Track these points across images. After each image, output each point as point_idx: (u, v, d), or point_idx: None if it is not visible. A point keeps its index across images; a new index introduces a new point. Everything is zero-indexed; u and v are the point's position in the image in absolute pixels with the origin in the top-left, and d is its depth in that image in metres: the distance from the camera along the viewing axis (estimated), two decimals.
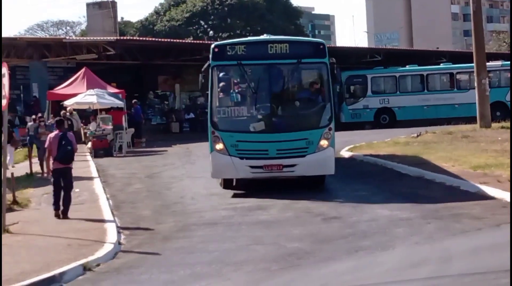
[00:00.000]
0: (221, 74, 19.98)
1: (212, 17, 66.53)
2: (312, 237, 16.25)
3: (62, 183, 19.55)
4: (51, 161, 20.14)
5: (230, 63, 19.92)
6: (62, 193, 19.42)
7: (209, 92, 19.57)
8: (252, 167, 19.03)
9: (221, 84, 20.20)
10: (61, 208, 19.20)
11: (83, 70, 41.33)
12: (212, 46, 20.00)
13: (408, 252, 14.48)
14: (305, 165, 18.90)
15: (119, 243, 16.64)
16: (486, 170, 23.42)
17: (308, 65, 20.22)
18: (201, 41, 55.80)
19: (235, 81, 20.93)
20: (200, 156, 32.17)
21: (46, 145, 21.22)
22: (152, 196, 24.41)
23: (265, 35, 23.14)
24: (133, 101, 43.16)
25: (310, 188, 20.45)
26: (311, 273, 12.85)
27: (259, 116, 19.67)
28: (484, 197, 20.13)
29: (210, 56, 19.69)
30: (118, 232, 17.61)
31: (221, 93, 20.24)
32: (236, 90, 20.80)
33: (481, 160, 25.26)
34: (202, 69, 20.54)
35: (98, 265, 14.27)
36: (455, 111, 45.95)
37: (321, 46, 20.03)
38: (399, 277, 11.74)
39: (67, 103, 38.42)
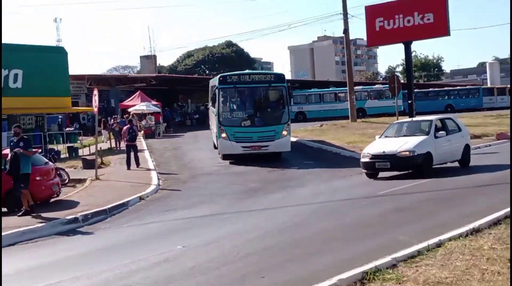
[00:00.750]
0: (223, 93, 25.59)
1: (207, 63, 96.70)
2: (262, 181, 21.84)
3: (132, 153, 26.81)
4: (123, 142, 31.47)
5: (229, 86, 25.58)
6: (132, 158, 26.64)
7: (216, 103, 25.26)
8: (243, 147, 24.71)
9: (224, 99, 25.71)
10: (131, 165, 26.50)
11: (138, 92, 57.12)
12: (219, 76, 26.57)
13: (313, 188, 19.57)
14: (274, 145, 24.99)
15: (159, 185, 21.92)
16: (354, 144, 31.22)
17: (275, 87, 25.90)
18: (201, 77, 79.00)
19: (232, 96, 26.33)
20: (202, 138, 40.59)
21: (122, 132, 31.92)
22: (176, 159, 31.79)
23: (247, 70, 33.75)
24: (165, 108, 59.70)
25: (273, 159, 26.44)
26: (262, 200, 17.90)
27: (246, 117, 25.34)
28: (353, 158, 25.79)
29: (217, 82, 25.91)
30: (158, 179, 23.18)
31: (224, 104, 25.60)
32: (233, 102, 26.36)
33: (351, 139, 33.73)
34: (213, 90, 26.48)
35: (147, 196, 19.53)
36: (337, 113, 58.77)
37: (282, 76, 27.40)
38: (308, 201, 17.05)
39: (130, 110, 52.49)
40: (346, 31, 43.63)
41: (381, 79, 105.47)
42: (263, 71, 31.17)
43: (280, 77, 26.45)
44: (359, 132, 36.43)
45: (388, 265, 8.39)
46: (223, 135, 24.80)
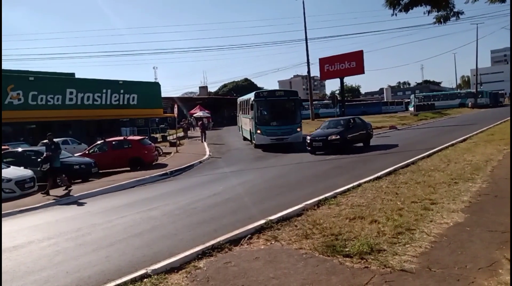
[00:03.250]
0: (258, 103, 21.67)
1: (233, 90, 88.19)
2: (265, 153, 20.95)
3: (203, 134, 28.02)
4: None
5: (261, 99, 21.77)
6: (204, 138, 27.35)
7: (253, 111, 21.54)
8: (271, 139, 21.21)
9: (258, 107, 21.72)
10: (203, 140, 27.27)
11: (198, 105, 53.73)
12: (255, 92, 23.03)
13: (290, 157, 18.68)
14: (291, 138, 21.38)
15: (210, 154, 21.33)
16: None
17: (292, 100, 22.14)
18: (231, 97, 69.81)
19: (263, 106, 22.08)
20: (233, 130, 36.60)
21: (199, 125, 31.77)
22: (219, 141, 30.06)
23: (276, 88, 27.84)
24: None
25: (289, 147, 21.57)
26: (263, 163, 17.19)
27: (274, 119, 21.60)
28: None
29: (253, 96, 22.06)
30: (209, 151, 22.63)
31: (258, 111, 21.69)
32: (264, 109, 22.12)
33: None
34: (250, 102, 22.38)
35: (203, 161, 18.97)
36: (303, 116, 50.03)
37: (296, 92, 23.54)
38: (286, 163, 16.42)
39: (195, 115, 49.98)
40: (308, 71, 43.50)
41: (328, 97, 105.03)
42: (284, 89, 30.51)
43: (294, 92, 23.28)
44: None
45: (331, 196, 8.41)
46: (259, 131, 21.51)
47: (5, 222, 9.81)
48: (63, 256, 6.42)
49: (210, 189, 11.50)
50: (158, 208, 9.50)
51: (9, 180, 13.25)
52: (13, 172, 14.01)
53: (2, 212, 10.69)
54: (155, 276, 4.89)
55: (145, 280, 4.83)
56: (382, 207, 7.22)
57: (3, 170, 13.81)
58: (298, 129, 21.86)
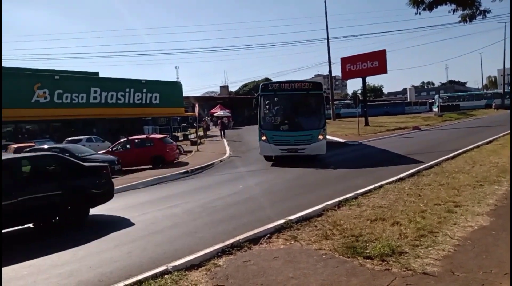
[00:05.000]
0: (265, 99, 16.56)
1: (253, 89, 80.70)
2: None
3: (223, 131, 28.91)
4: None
5: (270, 93, 16.41)
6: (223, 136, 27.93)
7: (258, 109, 16.55)
8: (281, 149, 15.90)
9: (264, 105, 16.65)
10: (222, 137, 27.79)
11: (219, 105, 52.24)
12: (261, 84, 17.29)
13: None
14: (310, 149, 15.70)
15: (230, 153, 21.27)
16: (333, 132, 28.33)
17: (312, 94, 16.17)
18: (252, 97, 71.66)
19: (272, 103, 16.92)
20: (252, 130, 34.48)
21: (218, 123, 32.76)
22: (238, 139, 30.12)
23: (291, 79, 18.55)
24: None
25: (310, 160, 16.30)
26: (281, 164, 16.40)
27: (285, 122, 16.17)
28: (350, 142, 24.69)
29: (259, 90, 16.72)
30: (230, 151, 22.35)
31: (265, 110, 16.65)
32: (273, 108, 16.99)
33: (333, 129, 29.73)
34: (255, 97, 17.38)
35: (223, 160, 19.01)
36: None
37: (320, 84, 16.82)
38: (306, 166, 15.60)
39: (215, 114, 48.81)
40: (330, 71, 43.22)
41: (349, 97, 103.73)
42: (303, 80, 18.19)
43: (318, 85, 16.79)
44: (337, 126, 35.41)
45: (352, 197, 8.33)
46: (263, 137, 16.35)
47: None
48: (86, 251, 6.56)
49: (230, 188, 11.54)
50: (179, 205, 9.60)
51: None
52: None
53: None
54: (176, 273, 4.94)
55: (165, 276, 4.89)
56: (404, 209, 7.10)
57: None
58: (321, 137, 15.96)
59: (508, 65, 70.19)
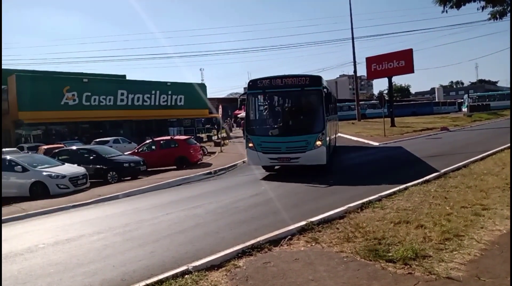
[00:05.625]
0: (253, 99, 14.00)
1: None
2: None
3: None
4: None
5: (258, 91, 13.75)
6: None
7: (245, 110, 14.32)
8: (270, 158, 13.31)
9: (252, 105, 14.14)
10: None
11: (242, 106, 49.00)
12: (248, 81, 14.14)
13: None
14: (305, 158, 12.96)
15: (243, 162, 20.77)
16: (359, 133, 27.49)
17: (309, 91, 13.27)
18: None
19: (261, 103, 14.57)
20: None
21: (241, 128, 30.75)
22: None
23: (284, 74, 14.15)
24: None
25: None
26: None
27: (275, 126, 13.74)
28: (369, 144, 23.89)
29: (247, 87, 14.18)
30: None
31: (252, 111, 14.18)
32: (262, 109, 14.70)
33: (358, 130, 30.02)
34: (239, 96, 14.98)
35: (238, 164, 17.59)
36: (350, 116, 46.67)
37: (318, 79, 13.47)
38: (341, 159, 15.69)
39: (239, 116, 47.29)
40: (355, 71, 42.70)
41: (375, 97, 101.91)
42: (298, 74, 13.77)
43: (316, 79, 13.56)
44: (362, 127, 34.77)
45: (376, 199, 8.18)
46: (250, 144, 13.69)
47: (59, 216, 10.46)
48: (111, 250, 6.71)
49: (252, 189, 11.54)
50: (202, 206, 9.68)
51: (63, 176, 14.06)
52: (67, 169, 14.79)
53: (57, 207, 11.38)
54: (196, 273, 4.98)
55: (186, 276, 4.94)
56: (429, 211, 6.93)
57: (58, 167, 14.77)
58: (319, 143, 12.94)
59: None
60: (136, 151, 19.88)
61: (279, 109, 14.39)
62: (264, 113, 14.58)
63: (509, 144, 16.14)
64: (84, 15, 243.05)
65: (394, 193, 8.73)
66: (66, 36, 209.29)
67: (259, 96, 14.20)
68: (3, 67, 36.79)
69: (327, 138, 13.66)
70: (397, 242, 5.50)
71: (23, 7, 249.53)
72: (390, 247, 5.31)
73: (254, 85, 13.76)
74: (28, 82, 29.94)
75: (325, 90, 13.55)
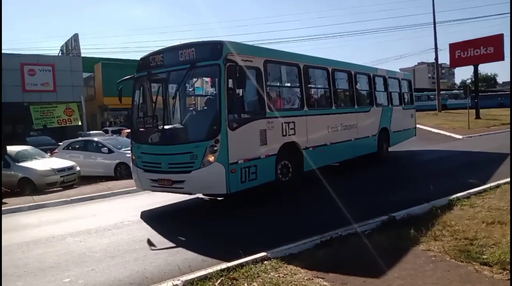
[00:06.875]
0: (138, 86, 9.22)
1: None
2: None
3: None
4: None
5: (144, 74, 8.92)
6: None
7: (132, 103, 9.43)
8: (151, 180, 8.41)
9: (137, 95, 9.26)
10: None
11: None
12: (139, 59, 9.33)
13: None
14: (191, 182, 7.77)
15: None
16: (440, 125, 25.65)
17: (202, 69, 8.26)
18: None
19: (146, 91, 9.17)
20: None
21: None
22: None
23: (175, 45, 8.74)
24: None
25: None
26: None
27: (157, 127, 8.43)
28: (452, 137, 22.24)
29: (136, 69, 9.33)
30: None
31: (136, 105, 9.30)
32: (146, 101, 9.29)
33: (439, 122, 27.41)
34: (118, 82, 9.99)
35: None
36: (430, 107, 41.96)
37: (218, 46, 7.78)
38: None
39: None
40: (436, 58, 40.07)
41: (457, 87, 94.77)
42: (193, 42, 7.96)
43: (212, 48, 7.80)
44: (443, 118, 32.47)
45: (464, 196, 7.62)
46: (132, 157, 9.03)
47: (141, 196, 10.74)
48: (195, 232, 6.93)
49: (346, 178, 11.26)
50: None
51: None
52: None
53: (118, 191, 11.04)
54: (275, 260, 4.95)
55: (265, 262, 4.92)
56: None
57: None
58: (210, 158, 7.56)
59: None
60: None
61: (166, 102, 9.10)
62: (149, 108, 9.25)
63: None
64: (161, 6, 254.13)
65: (485, 190, 8.06)
66: (146, 26, 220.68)
67: (145, 82, 9.14)
68: (89, 55, 39.55)
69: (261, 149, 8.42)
70: (491, 244, 5.03)
71: (106, 1, 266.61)
72: (484, 249, 4.88)
73: (146, 64, 9.03)
74: (113, 69, 31.67)
75: (228, 63, 7.67)
